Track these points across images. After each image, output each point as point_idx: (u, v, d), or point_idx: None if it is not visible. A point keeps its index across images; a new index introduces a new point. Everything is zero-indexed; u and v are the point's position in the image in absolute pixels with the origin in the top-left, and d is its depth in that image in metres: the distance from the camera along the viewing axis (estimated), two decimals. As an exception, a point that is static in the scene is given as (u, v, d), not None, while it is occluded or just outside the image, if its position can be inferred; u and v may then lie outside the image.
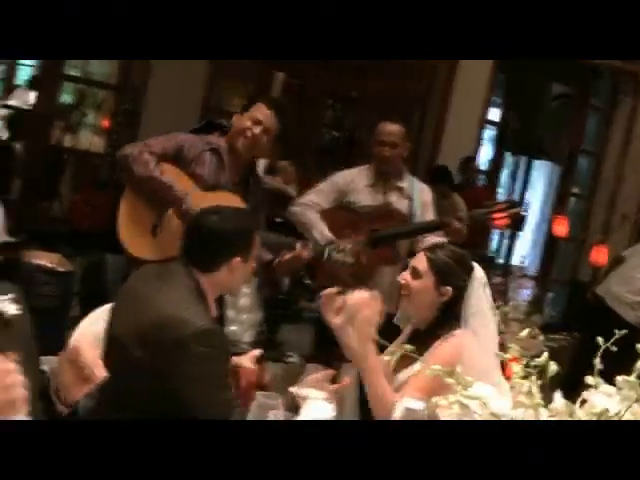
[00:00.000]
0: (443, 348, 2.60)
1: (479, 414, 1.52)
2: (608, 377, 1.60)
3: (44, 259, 4.83)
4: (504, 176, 10.19)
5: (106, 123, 7.87)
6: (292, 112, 8.62)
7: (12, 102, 9.20)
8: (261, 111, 3.64)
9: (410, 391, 2.42)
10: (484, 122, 8.20)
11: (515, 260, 9.47)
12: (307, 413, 2.29)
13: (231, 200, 3.46)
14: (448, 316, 2.70)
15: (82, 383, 2.01)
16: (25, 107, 8.59)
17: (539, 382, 1.52)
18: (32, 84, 9.07)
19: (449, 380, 1.60)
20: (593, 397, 1.53)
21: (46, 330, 2.21)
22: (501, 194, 9.74)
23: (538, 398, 1.50)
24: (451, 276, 2.70)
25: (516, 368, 1.55)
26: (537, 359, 1.52)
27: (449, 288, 2.69)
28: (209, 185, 3.57)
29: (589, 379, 1.58)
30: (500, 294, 5.72)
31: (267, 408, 2.24)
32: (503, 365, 2.15)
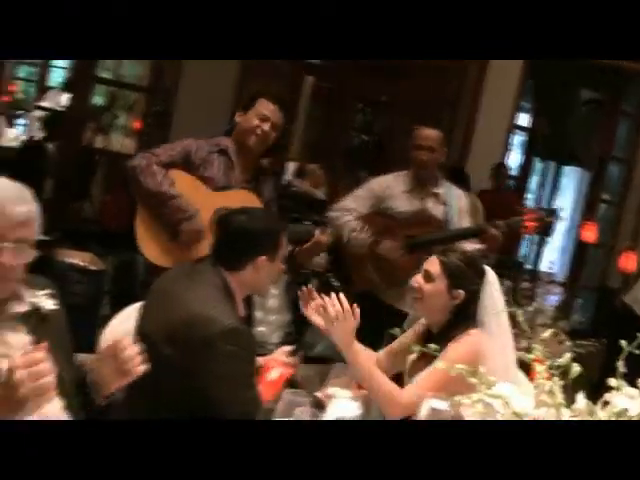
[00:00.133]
0: (457, 347, 2.62)
1: (502, 413, 1.54)
2: (632, 381, 1.62)
3: (76, 258, 4.90)
4: (533, 182, 10.14)
5: (137, 125, 7.91)
6: (322, 115, 8.69)
7: (45, 104, 9.33)
8: (266, 107, 3.65)
9: (422, 389, 2.45)
10: (513, 127, 8.18)
11: (543, 266, 9.42)
12: (333, 411, 2.32)
13: (245, 197, 3.50)
14: (460, 319, 2.72)
15: (121, 377, 2.06)
16: (58, 109, 8.69)
17: (561, 382, 1.54)
18: (64, 86, 9.18)
19: (472, 380, 1.62)
20: (615, 399, 1.55)
21: (77, 328, 2.24)
22: (530, 200, 9.70)
23: (560, 398, 1.52)
24: (463, 279, 2.72)
25: (539, 368, 1.57)
26: (559, 359, 1.54)
27: (461, 291, 2.72)
28: (220, 187, 3.59)
29: (612, 381, 1.60)
30: (528, 299, 5.69)
31: (295, 405, 2.26)
32: (528, 366, 2.16)
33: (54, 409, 1.99)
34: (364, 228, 4.02)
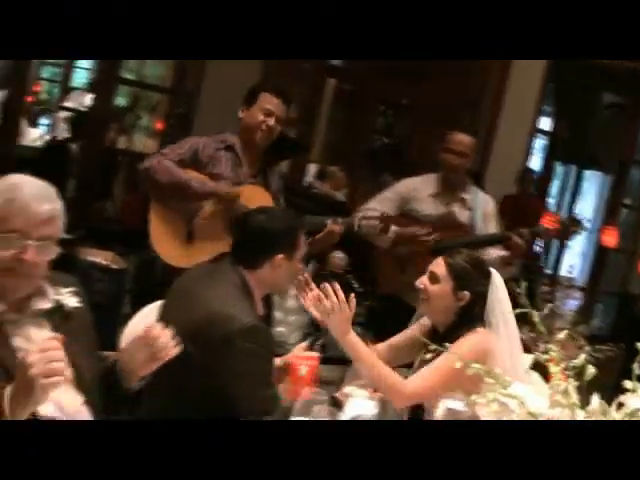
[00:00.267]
0: (464, 342, 2.65)
1: (517, 413, 1.55)
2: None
3: (98, 257, 4.93)
4: (554, 186, 10.10)
5: (160, 126, 7.96)
6: (343, 118, 8.69)
7: (69, 104, 9.39)
8: (269, 101, 3.66)
9: (427, 380, 2.47)
10: (535, 130, 8.15)
11: (563, 270, 9.39)
12: (350, 410, 2.33)
13: (255, 192, 3.54)
14: (466, 320, 2.74)
15: (152, 363, 2.12)
16: (81, 109, 8.75)
17: (576, 383, 1.55)
18: (88, 87, 9.24)
19: (488, 380, 1.63)
20: (629, 400, 1.55)
21: (98, 326, 2.28)
22: (551, 204, 9.66)
23: (575, 398, 1.53)
24: (469, 281, 2.74)
25: (554, 369, 1.58)
26: (574, 360, 1.55)
27: (467, 293, 2.73)
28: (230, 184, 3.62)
29: (627, 383, 1.61)
30: (547, 304, 5.69)
31: (313, 404, 2.28)
32: (543, 367, 2.18)
33: (74, 404, 2.03)
34: (388, 228, 4.01)
